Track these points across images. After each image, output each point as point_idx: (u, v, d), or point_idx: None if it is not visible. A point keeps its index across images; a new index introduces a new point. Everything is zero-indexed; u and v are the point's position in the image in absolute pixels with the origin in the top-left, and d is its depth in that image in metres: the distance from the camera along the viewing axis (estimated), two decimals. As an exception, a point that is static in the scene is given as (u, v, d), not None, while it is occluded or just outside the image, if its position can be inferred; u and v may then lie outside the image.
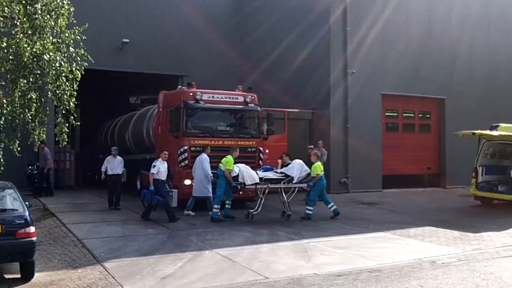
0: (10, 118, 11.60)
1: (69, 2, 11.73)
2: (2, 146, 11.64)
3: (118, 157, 15.82)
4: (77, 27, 11.82)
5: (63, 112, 11.95)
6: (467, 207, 17.43)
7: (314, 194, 14.23)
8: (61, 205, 16.37)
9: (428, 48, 22.40)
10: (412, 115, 23.25)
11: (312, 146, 18.16)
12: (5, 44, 10.74)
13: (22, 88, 11.22)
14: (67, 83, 11.58)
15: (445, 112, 23.05)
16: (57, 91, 11.49)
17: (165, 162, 13.86)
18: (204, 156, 14.44)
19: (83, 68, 11.92)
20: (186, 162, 14.94)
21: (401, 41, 21.73)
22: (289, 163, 14.52)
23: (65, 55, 11.60)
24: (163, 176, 13.67)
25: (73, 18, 11.90)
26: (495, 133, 16.49)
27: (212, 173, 14.20)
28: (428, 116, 23.58)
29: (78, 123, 12.74)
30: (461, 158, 21.12)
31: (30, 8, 10.84)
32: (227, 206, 13.96)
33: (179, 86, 17.90)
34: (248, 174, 13.47)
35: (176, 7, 23.70)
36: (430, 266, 9.19)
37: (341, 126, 20.15)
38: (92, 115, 26.24)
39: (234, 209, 14.29)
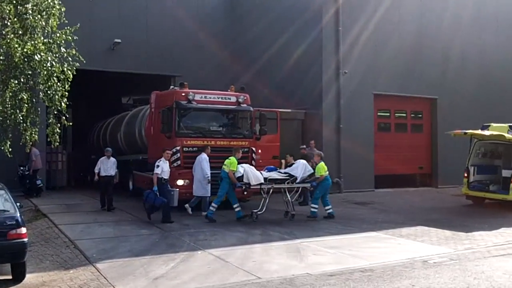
0: (1, 118, 11.56)
1: (60, 2, 11.69)
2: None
3: (112, 159, 15.75)
4: (68, 27, 11.79)
5: (55, 112, 11.90)
6: (459, 207, 17.50)
7: (319, 192, 14.31)
8: (53, 206, 16.29)
9: (421, 48, 22.49)
10: (404, 115, 23.33)
11: (304, 146, 18.16)
12: (-5, 44, 10.70)
13: (13, 88, 11.16)
14: (58, 84, 11.55)
15: (437, 112, 23.17)
16: (49, 92, 11.45)
17: (167, 161, 13.86)
18: (204, 156, 14.47)
19: (74, 68, 11.90)
20: (179, 162, 14.91)
21: (393, 41, 21.79)
22: (293, 163, 14.60)
23: (57, 55, 11.57)
24: (166, 175, 13.68)
25: (64, 18, 11.87)
26: (486, 132, 16.57)
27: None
28: (420, 116, 23.67)
29: (70, 124, 12.68)
30: (453, 157, 21.21)
31: (21, 8, 10.80)
32: (211, 208, 13.86)
33: (171, 86, 17.87)
34: (253, 175, 13.54)
35: (168, 8, 23.64)
36: (422, 265, 9.22)
37: (334, 126, 20.19)
38: (84, 116, 26.17)
39: (226, 209, 14.30)
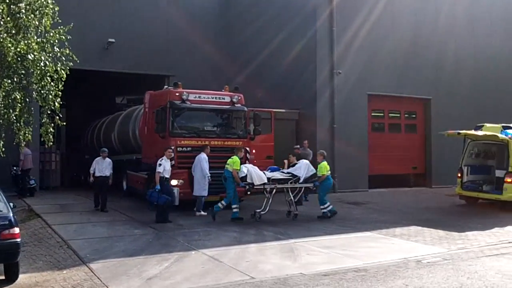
0: (-6, 118, 11.50)
1: (53, 2, 11.67)
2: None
3: (107, 159, 15.63)
4: (62, 27, 11.75)
5: (48, 112, 11.87)
6: (453, 207, 17.57)
7: (323, 194, 14.35)
8: (47, 206, 16.23)
9: (415, 48, 22.55)
10: (398, 115, 23.40)
11: (298, 146, 18.18)
12: (-12, 43, 10.64)
13: (6, 88, 11.10)
14: (52, 83, 11.51)
15: (431, 112, 23.25)
16: (42, 91, 11.41)
17: (169, 160, 13.84)
18: (203, 156, 14.50)
19: (68, 68, 11.85)
20: (173, 162, 14.86)
21: (388, 42, 21.83)
22: (296, 163, 14.64)
23: (50, 54, 11.53)
24: (167, 174, 13.68)
25: (58, 18, 11.84)
26: (480, 133, 16.63)
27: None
28: (414, 116, 23.75)
29: (64, 124, 12.65)
30: (447, 158, 21.30)
31: (14, 7, 10.76)
32: (219, 205, 13.88)
33: (165, 86, 17.85)
34: (257, 175, 13.58)
35: (162, 7, 23.62)
36: (415, 265, 9.25)
37: (328, 126, 20.22)
38: (78, 116, 26.04)
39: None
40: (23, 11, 10.81)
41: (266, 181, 13.64)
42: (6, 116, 11.35)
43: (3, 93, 11.13)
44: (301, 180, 14.08)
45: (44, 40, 11.45)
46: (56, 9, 11.68)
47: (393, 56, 21.94)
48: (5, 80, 11.03)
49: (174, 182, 14.75)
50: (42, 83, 11.31)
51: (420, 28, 22.84)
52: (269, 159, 18.21)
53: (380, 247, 10.88)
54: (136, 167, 17.73)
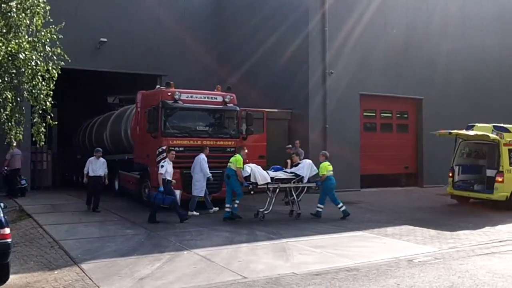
0: (-16, 118, 11.43)
1: (45, 1, 11.62)
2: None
3: (101, 159, 15.46)
4: (53, 26, 11.71)
5: (40, 112, 11.82)
6: (444, 206, 17.66)
7: (332, 194, 14.41)
8: (38, 206, 16.14)
9: (407, 49, 22.63)
10: (390, 115, 23.46)
11: (290, 146, 18.21)
12: (-21, 43, 10.59)
13: (-3, 87, 11.06)
14: (43, 83, 11.47)
15: (422, 112, 23.33)
16: (33, 91, 11.37)
17: (171, 162, 13.82)
18: (202, 156, 14.55)
19: (59, 67, 11.81)
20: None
21: (380, 42, 21.89)
22: (299, 163, 14.69)
23: (41, 54, 11.49)
24: (169, 176, 13.63)
25: (49, 17, 11.80)
26: (471, 132, 16.71)
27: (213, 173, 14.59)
28: (405, 116, 23.82)
29: (55, 123, 12.60)
30: (438, 157, 21.38)
31: (5, 6, 10.71)
32: (234, 205, 13.95)
33: (158, 86, 17.81)
34: (260, 174, 13.66)
35: (154, 7, 23.57)
36: (407, 264, 9.28)
37: (320, 126, 20.24)
38: (70, 115, 25.97)
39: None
40: (14, 10, 10.77)
41: (269, 180, 13.72)
42: (-3, 115, 11.31)
43: (-6, 93, 11.09)
44: (305, 180, 14.17)
45: (36, 39, 11.41)
46: (47, 8, 11.64)
47: (385, 56, 22.01)
48: (-5, 79, 10.99)
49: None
50: (34, 82, 11.26)
51: (413, 29, 22.93)
52: (262, 158, 18.20)
53: (372, 247, 10.91)
54: (128, 167, 17.69)
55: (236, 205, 13.78)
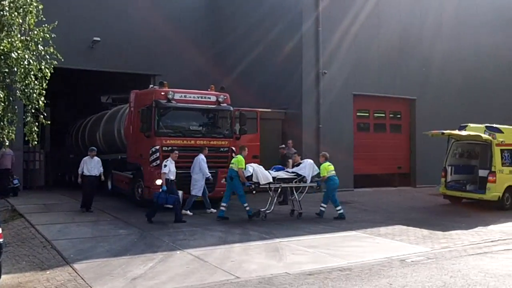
0: (-23, 117, 11.38)
1: (37, 0, 11.55)
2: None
3: (96, 158, 15.37)
4: (46, 25, 11.66)
5: (33, 111, 11.76)
6: (437, 206, 17.72)
7: (333, 195, 14.48)
8: (30, 206, 16.06)
9: (401, 49, 22.75)
10: (383, 115, 23.52)
11: (283, 146, 18.22)
12: (-29, 41, 10.53)
13: (-11, 86, 11.01)
14: (36, 82, 11.42)
15: (415, 112, 23.40)
16: (26, 90, 11.31)
17: (174, 162, 13.80)
18: (202, 157, 14.57)
19: (52, 66, 11.76)
20: (158, 162, 14.80)
21: (374, 43, 21.97)
22: (300, 163, 14.73)
23: (34, 53, 11.45)
24: (172, 176, 13.63)
25: (42, 16, 11.75)
26: (463, 133, 16.78)
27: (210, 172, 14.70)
28: (399, 116, 23.89)
29: (48, 122, 12.54)
30: (431, 157, 21.47)
31: (-3, 5, 10.65)
32: (246, 208, 14.01)
33: (151, 85, 17.78)
34: (262, 174, 13.73)
35: (148, 7, 23.51)
36: (399, 264, 9.31)
37: (313, 126, 20.29)
38: (63, 114, 25.89)
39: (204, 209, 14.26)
40: (7, 8, 10.72)
41: (271, 180, 13.79)
42: (-11, 115, 11.25)
43: (-14, 92, 11.03)
44: (308, 180, 14.24)
45: (28, 38, 11.36)
46: (40, 7, 11.59)
47: (379, 56, 22.07)
48: (-12, 78, 10.94)
49: (159, 182, 14.66)
50: (26, 81, 11.21)
51: (407, 29, 23.01)
52: (255, 158, 18.20)
53: (364, 247, 10.94)
54: (121, 166, 17.64)
55: (248, 208, 13.88)
